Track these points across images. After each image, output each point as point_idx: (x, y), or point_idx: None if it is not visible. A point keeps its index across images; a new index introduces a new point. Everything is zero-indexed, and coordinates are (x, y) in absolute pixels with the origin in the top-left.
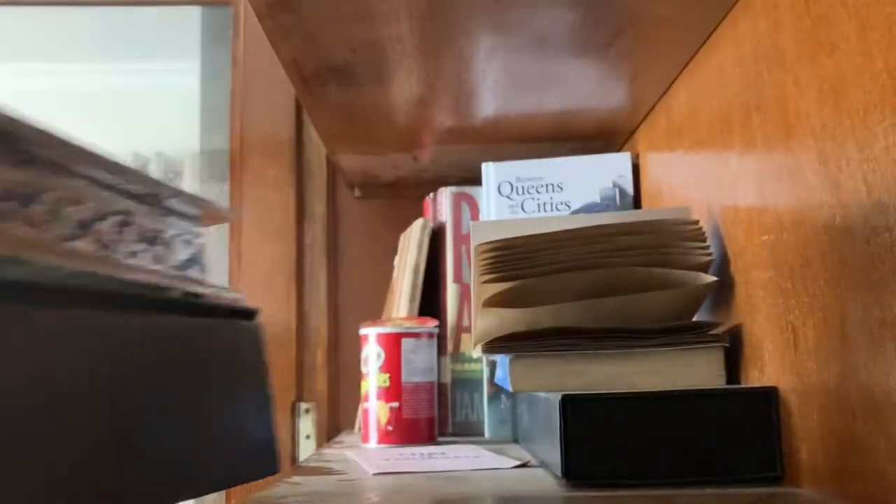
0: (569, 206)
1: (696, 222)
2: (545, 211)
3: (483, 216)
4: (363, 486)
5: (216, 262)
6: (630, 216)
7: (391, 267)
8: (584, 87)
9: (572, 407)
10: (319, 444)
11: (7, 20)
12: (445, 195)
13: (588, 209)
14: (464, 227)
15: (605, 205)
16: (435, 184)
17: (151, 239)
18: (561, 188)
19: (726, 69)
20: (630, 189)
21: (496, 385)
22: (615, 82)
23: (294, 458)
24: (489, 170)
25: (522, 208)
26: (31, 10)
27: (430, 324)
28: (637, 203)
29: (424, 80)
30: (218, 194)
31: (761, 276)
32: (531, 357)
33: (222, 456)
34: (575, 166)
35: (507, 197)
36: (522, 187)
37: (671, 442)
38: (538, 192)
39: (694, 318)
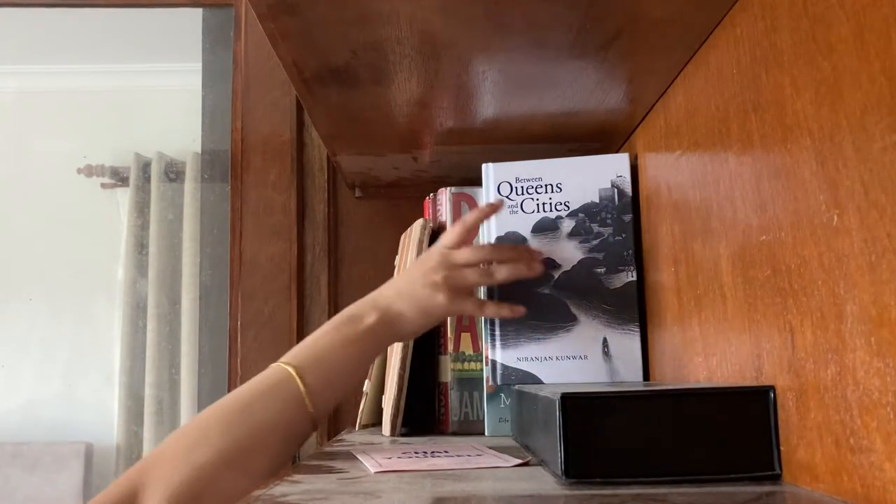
0: (567, 207)
1: None
2: (544, 211)
3: None
4: (364, 484)
5: (219, 263)
6: None
7: (391, 267)
8: (583, 88)
9: (572, 405)
10: (320, 443)
11: (8, 21)
12: (445, 195)
13: (587, 209)
14: None
15: (604, 205)
16: (435, 184)
17: None
18: (560, 188)
19: (724, 70)
20: (628, 189)
21: (496, 384)
22: (614, 83)
23: (295, 457)
24: (489, 170)
25: (522, 208)
26: (32, 11)
27: None
28: (636, 203)
29: (424, 82)
30: (219, 194)
31: (759, 276)
32: None
33: None
34: (574, 167)
35: (507, 197)
36: (522, 188)
37: (670, 440)
38: (537, 193)
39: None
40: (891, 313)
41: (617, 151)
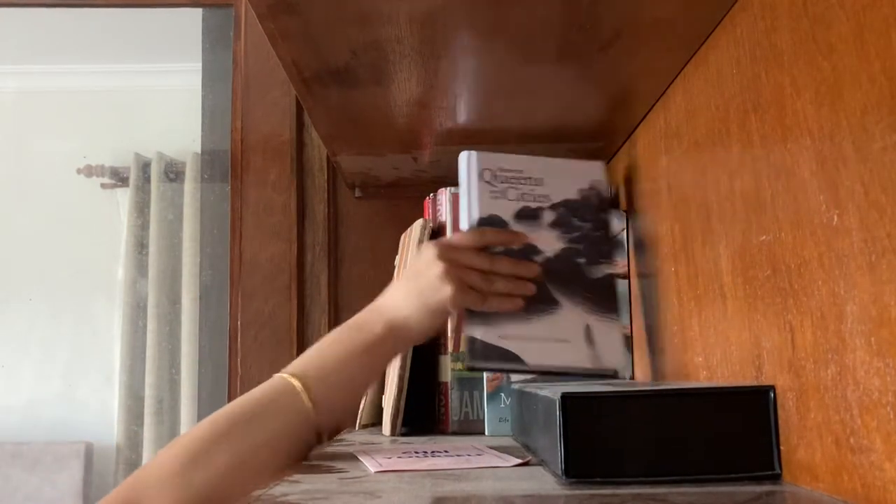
0: (549, 199)
1: None
2: (526, 201)
3: (463, 203)
4: (364, 484)
5: (219, 263)
6: None
7: (391, 266)
8: (584, 88)
9: (572, 405)
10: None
11: (7, 21)
12: (445, 195)
13: (567, 205)
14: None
15: (583, 203)
16: (435, 184)
17: None
18: (541, 183)
19: (724, 70)
20: (605, 192)
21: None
22: (614, 83)
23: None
24: (471, 158)
25: (505, 196)
26: (32, 11)
27: None
28: (613, 205)
29: (424, 82)
30: (219, 194)
31: (759, 276)
32: None
33: None
34: (553, 167)
35: (489, 183)
36: (505, 176)
37: (670, 440)
38: (520, 183)
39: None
40: (891, 313)
41: (617, 151)
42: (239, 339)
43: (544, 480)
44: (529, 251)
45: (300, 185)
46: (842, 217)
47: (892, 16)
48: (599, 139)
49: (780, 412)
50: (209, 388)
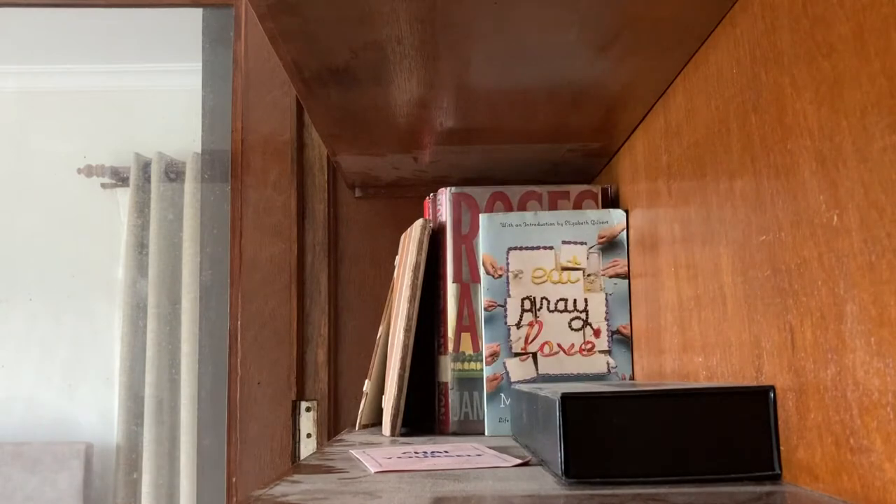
0: None
1: None
2: None
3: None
4: (364, 484)
5: (219, 263)
6: None
7: (391, 266)
8: (583, 88)
9: (572, 405)
10: (320, 443)
11: (8, 21)
12: (445, 195)
13: None
14: (464, 227)
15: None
16: (435, 184)
17: None
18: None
19: (724, 70)
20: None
21: (496, 383)
22: (614, 83)
23: (295, 457)
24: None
25: None
26: (32, 11)
27: None
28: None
29: (424, 82)
30: (219, 195)
31: (759, 276)
32: None
33: None
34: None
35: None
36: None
37: (670, 440)
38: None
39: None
40: (891, 313)
41: (617, 151)
42: (239, 339)
43: (544, 480)
44: None
45: (300, 185)
46: (842, 217)
47: (892, 16)
48: (599, 139)
49: (779, 412)
50: (209, 388)
